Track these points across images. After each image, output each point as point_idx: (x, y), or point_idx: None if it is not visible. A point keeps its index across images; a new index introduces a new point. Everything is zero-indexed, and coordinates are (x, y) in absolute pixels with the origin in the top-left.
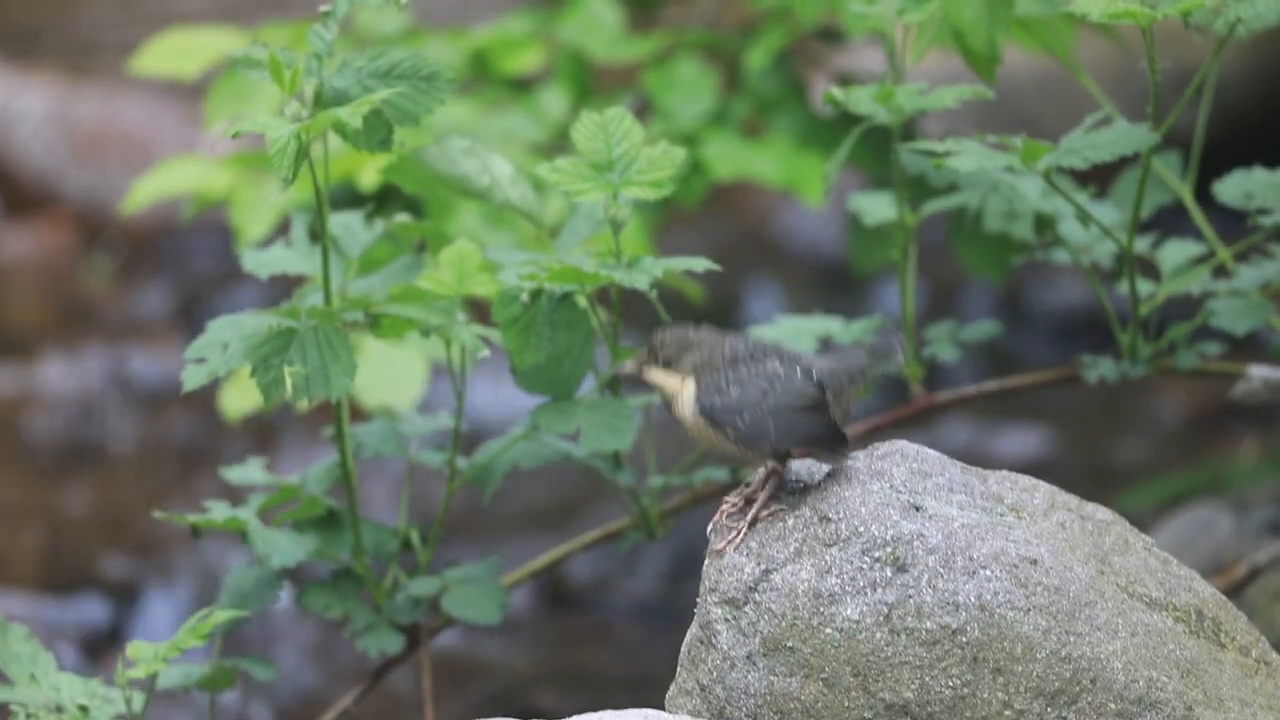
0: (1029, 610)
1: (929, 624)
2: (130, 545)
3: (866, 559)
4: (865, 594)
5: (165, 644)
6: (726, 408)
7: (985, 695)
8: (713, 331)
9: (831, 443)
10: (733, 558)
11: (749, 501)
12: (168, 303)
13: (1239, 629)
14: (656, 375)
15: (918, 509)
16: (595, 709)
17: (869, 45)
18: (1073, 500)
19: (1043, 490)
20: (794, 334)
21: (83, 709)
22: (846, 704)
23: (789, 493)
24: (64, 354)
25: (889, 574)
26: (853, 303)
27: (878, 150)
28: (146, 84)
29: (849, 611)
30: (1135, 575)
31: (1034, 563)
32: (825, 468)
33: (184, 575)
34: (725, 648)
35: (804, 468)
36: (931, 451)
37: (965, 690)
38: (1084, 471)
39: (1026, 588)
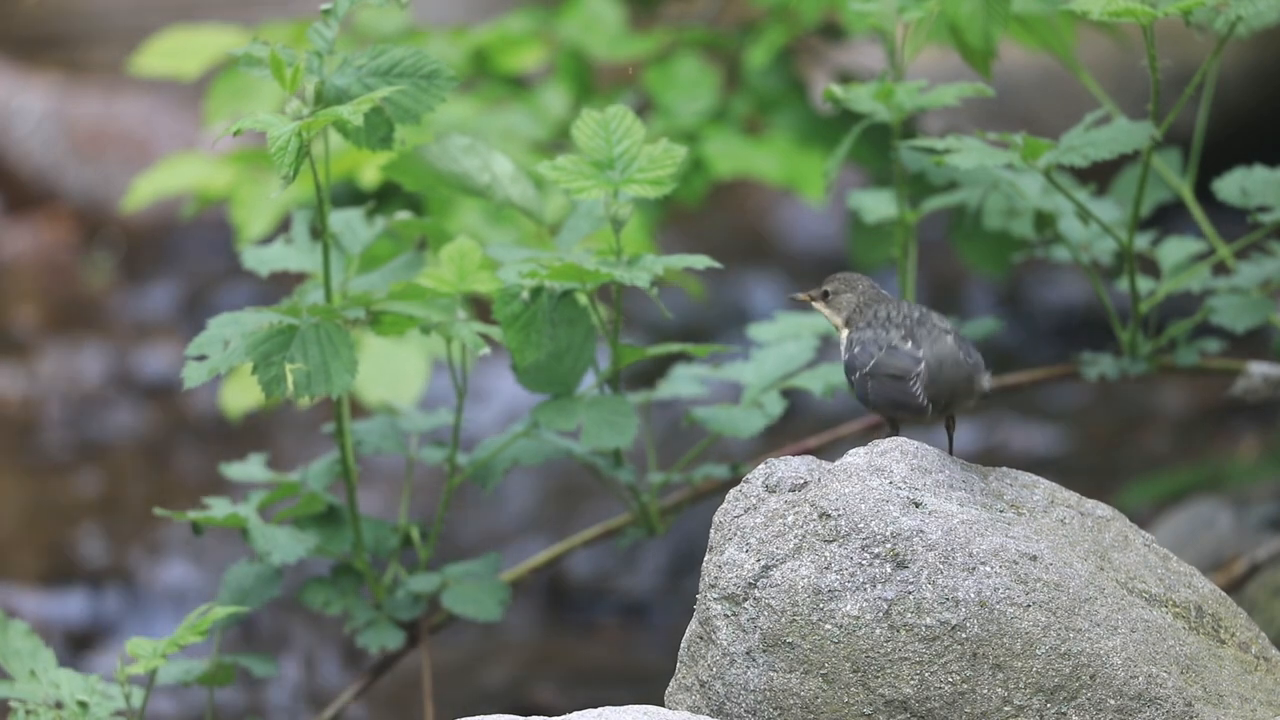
0: (1029, 606)
1: (928, 620)
2: (131, 541)
3: (866, 555)
4: (865, 590)
5: (165, 640)
6: (849, 367)
7: (985, 691)
8: (873, 286)
9: (911, 411)
10: (732, 554)
11: None
12: (168, 300)
13: (1239, 625)
14: (822, 307)
15: (917, 505)
16: (595, 705)
17: (869, 42)
18: (1072, 497)
19: (1042, 487)
20: (794, 331)
21: (82, 705)
22: (846, 700)
23: (790, 489)
24: (64, 351)
25: (889, 570)
26: None
27: (878, 147)
28: (146, 82)
29: (849, 608)
30: (1135, 571)
31: (1034, 559)
32: (825, 464)
33: (184, 571)
34: (725, 644)
35: (803, 464)
36: (931, 448)
37: (965, 686)
38: (1084, 468)
39: (1026, 584)
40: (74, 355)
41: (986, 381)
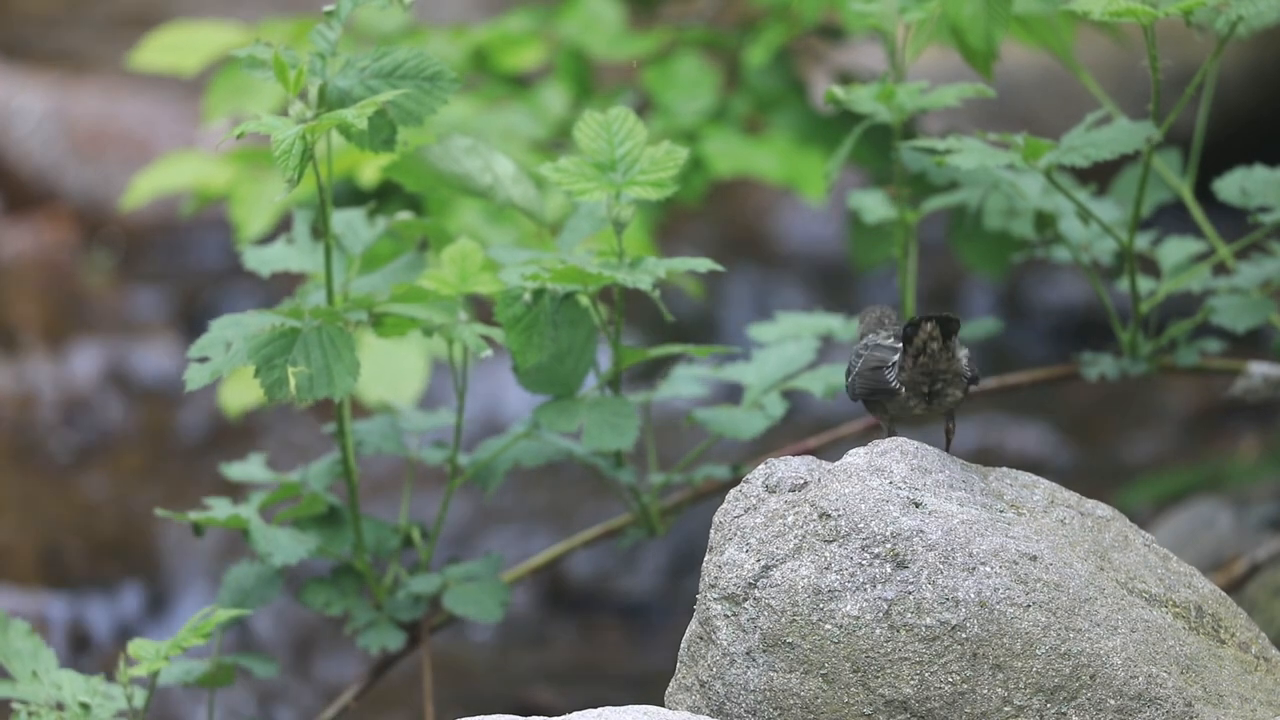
0: (1029, 606)
1: (928, 620)
2: (130, 542)
3: (866, 555)
4: (865, 590)
5: (167, 642)
6: (846, 373)
7: (985, 691)
8: (883, 307)
9: (886, 395)
10: (732, 554)
11: None
12: (167, 300)
13: (1238, 625)
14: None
15: (917, 505)
16: (595, 705)
17: (869, 42)
18: (1072, 497)
19: (1042, 487)
20: (795, 331)
21: (84, 706)
22: (846, 700)
23: (790, 489)
24: (63, 351)
25: (889, 570)
26: (852, 299)
27: (878, 147)
28: (145, 81)
29: (849, 608)
30: (1135, 571)
31: (1034, 559)
32: (825, 464)
33: (184, 572)
34: (725, 644)
35: (803, 464)
36: (931, 448)
37: (965, 686)
38: (1084, 468)
39: (1026, 584)
40: (73, 355)
41: (969, 369)
